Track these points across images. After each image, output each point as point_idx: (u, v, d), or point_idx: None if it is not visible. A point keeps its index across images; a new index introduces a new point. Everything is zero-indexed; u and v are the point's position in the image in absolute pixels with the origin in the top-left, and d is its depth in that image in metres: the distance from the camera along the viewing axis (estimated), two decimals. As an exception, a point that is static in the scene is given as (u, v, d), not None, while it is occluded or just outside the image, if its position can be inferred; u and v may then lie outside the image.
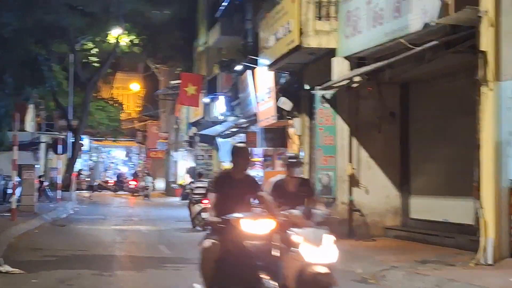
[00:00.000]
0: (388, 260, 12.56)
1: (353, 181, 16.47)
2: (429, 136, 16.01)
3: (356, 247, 14.55)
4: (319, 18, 17.00)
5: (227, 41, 33.47)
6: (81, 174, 33.31)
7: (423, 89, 16.12)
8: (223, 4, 31.43)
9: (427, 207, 16.01)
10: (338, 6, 16.69)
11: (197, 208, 20.25)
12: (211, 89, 34.89)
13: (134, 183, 51.49)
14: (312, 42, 16.98)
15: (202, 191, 19.58)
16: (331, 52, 16.91)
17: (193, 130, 40.07)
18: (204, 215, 18.42)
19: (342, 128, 16.44)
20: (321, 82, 16.95)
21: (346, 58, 16.28)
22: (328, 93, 16.58)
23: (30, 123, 45.23)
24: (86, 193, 40.72)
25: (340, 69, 16.35)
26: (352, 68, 16.13)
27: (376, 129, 16.30)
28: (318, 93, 16.68)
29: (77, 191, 41.68)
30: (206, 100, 35.25)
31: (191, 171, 41.66)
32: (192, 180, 40.79)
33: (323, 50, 17.22)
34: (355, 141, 16.54)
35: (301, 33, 16.94)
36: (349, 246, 14.37)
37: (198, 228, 19.70)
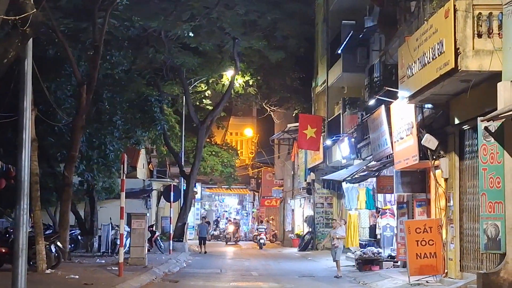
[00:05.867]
0: None
1: (528, 233, 13.32)
2: None
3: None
4: (479, 35, 14.15)
5: (350, 78, 31.73)
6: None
7: None
8: (345, 40, 29.15)
9: None
10: (502, 20, 13.77)
11: None
12: (332, 131, 32.88)
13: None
14: (472, 64, 14.12)
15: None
16: (491, 77, 14.20)
17: (312, 176, 37.55)
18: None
19: (512, 167, 13.39)
20: (476, 115, 14.20)
21: (514, 82, 13.36)
22: (494, 125, 13.60)
23: (141, 170, 43.87)
24: (196, 246, 38.35)
25: (508, 96, 13.37)
26: (522, 94, 13.18)
27: (557, 168, 13.18)
28: (481, 125, 13.72)
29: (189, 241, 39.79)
30: (328, 142, 32.77)
31: (309, 220, 39.03)
32: (310, 230, 38.75)
33: (483, 74, 14.43)
34: (529, 184, 13.43)
35: (457, 54, 14.14)
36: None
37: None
